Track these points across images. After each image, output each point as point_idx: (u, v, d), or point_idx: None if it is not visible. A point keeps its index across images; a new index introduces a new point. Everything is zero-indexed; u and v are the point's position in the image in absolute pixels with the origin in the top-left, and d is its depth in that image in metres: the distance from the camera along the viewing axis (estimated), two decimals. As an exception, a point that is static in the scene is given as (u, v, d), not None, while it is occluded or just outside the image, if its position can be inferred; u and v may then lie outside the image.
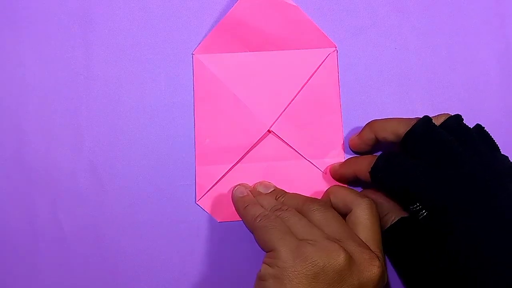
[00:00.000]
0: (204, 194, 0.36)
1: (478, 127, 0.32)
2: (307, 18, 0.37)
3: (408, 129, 0.31)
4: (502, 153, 0.32)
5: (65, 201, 0.36)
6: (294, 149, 0.36)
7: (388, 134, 0.33)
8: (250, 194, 0.34)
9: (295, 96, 0.36)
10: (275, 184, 0.35)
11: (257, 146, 0.36)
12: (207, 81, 0.36)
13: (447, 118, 0.32)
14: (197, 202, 0.36)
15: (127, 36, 0.37)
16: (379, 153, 0.35)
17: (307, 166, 0.37)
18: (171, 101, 0.36)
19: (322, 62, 0.37)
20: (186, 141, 0.36)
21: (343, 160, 0.36)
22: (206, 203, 0.36)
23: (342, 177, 0.36)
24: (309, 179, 0.36)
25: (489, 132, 0.32)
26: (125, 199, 0.36)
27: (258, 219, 0.31)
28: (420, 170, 0.30)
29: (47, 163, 0.36)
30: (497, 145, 0.32)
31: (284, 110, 0.36)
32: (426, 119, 0.31)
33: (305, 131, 0.36)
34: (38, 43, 0.36)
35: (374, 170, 0.32)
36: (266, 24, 0.36)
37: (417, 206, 0.31)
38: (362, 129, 0.35)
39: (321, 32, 0.37)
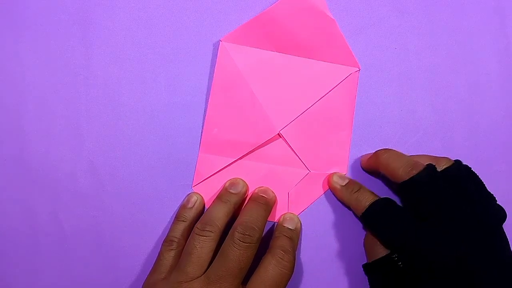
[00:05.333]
0: (201, 181, 0.36)
1: (469, 172, 0.33)
2: (339, 33, 0.37)
3: (409, 177, 0.32)
4: (496, 202, 0.33)
5: (65, 201, 0.36)
6: (298, 157, 0.36)
7: (389, 174, 0.33)
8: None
9: (310, 106, 0.36)
10: (272, 189, 0.36)
11: (263, 147, 0.36)
12: (228, 71, 0.36)
13: (449, 166, 0.32)
14: (192, 187, 0.36)
15: (127, 36, 0.37)
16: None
17: (307, 176, 0.37)
18: (171, 101, 0.36)
19: (343, 80, 0.37)
20: (186, 141, 0.36)
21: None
22: (201, 191, 0.36)
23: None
24: (306, 190, 0.36)
25: (480, 179, 0.33)
26: (125, 199, 0.36)
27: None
28: (408, 227, 0.31)
29: (47, 163, 0.36)
30: (490, 193, 0.33)
31: (297, 117, 0.36)
32: (430, 169, 0.32)
33: (313, 142, 0.36)
34: (38, 43, 0.36)
35: (365, 215, 0.33)
36: (300, 29, 0.36)
37: (395, 256, 0.31)
38: (372, 156, 0.35)
39: (350, 50, 0.37)
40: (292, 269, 0.32)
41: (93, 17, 0.37)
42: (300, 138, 0.36)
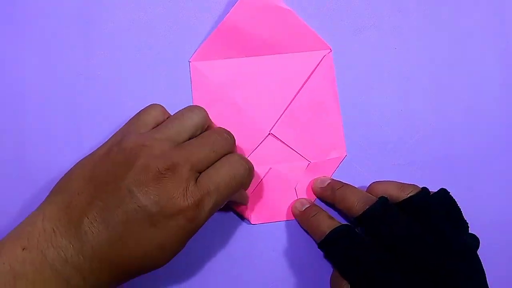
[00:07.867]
0: None
1: (440, 200, 0.32)
2: (301, 22, 0.37)
3: (363, 210, 0.31)
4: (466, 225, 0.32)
5: (65, 201, 0.36)
6: (295, 151, 0.36)
7: (345, 208, 0.33)
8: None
9: (293, 99, 0.37)
10: (278, 187, 0.36)
11: (259, 150, 0.36)
12: (205, 88, 0.36)
13: (414, 195, 0.32)
14: None
15: (127, 36, 0.37)
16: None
17: (309, 167, 0.37)
18: (172, 102, 0.36)
19: (318, 64, 0.37)
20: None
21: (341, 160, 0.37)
22: None
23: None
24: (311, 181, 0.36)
25: (455, 200, 0.32)
26: (125, 199, 0.36)
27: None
28: (367, 260, 0.30)
29: (47, 163, 0.36)
30: (464, 221, 0.32)
31: (283, 112, 0.36)
32: (383, 201, 0.31)
33: (305, 132, 0.37)
34: (38, 43, 0.36)
35: (324, 243, 0.32)
36: (262, 29, 0.36)
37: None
38: (326, 188, 0.35)
39: (316, 34, 0.37)
40: (250, 167, 0.30)
41: (93, 17, 0.37)
42: (292, 132, 0.36)
